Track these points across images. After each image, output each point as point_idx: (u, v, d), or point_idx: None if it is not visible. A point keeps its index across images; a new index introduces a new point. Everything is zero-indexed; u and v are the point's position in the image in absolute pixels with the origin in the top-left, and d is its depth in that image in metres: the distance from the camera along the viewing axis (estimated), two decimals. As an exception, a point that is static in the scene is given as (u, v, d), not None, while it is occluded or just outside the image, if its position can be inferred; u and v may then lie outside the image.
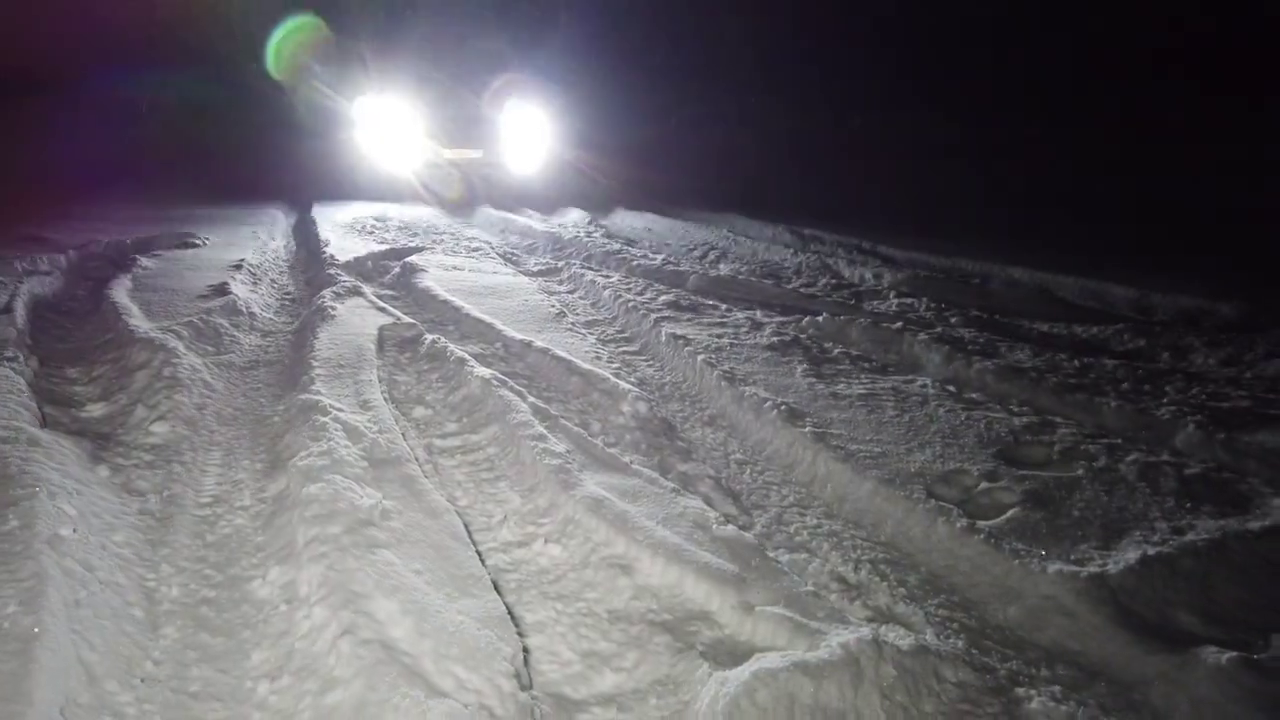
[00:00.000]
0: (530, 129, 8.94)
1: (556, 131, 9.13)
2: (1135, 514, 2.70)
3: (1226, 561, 2.46)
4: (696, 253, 7.10)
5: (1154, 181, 9.63)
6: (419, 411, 3.33)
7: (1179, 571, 2.39)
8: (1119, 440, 3.27)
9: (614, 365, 3.98)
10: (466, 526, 2.44)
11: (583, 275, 5.76)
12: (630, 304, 4.93)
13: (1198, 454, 3.22)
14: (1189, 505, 2.77)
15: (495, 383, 3.37)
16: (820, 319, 4.68)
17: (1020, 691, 1.97)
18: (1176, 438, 3.34)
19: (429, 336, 3.97)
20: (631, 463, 2.90)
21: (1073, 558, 2.44)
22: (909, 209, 9.54)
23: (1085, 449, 3.14)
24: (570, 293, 5.53)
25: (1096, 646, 2.15)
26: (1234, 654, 2.03)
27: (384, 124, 8.40)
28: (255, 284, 5.17)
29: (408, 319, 4.28)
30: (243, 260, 5.50)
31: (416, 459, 2.82)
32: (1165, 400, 3.75)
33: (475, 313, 4.49)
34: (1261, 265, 6.88)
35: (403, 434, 3.00)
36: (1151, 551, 2.44)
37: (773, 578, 2.26)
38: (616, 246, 6.89)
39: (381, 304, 4.54)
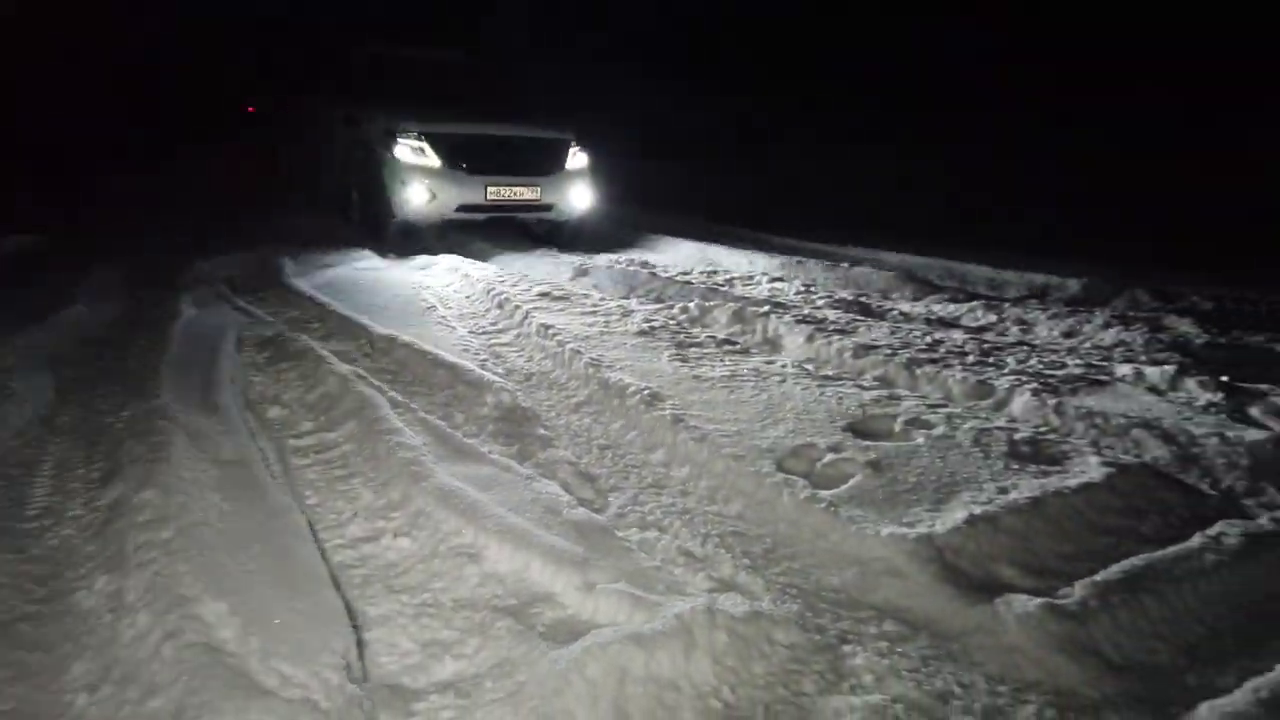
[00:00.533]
0: (583, 167, 7.71)
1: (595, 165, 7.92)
2: (966, 477, 2.87)
3: (1045, 516, 2.63)
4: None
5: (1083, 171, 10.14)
6: (274, 412, 3.26)
7: (1001, 528, 2.55)
8: (959, 410, 3.46)
9: (481, 357, 3.97)
10: (311, 525, 2.41)
11: (457, 269, 5.72)
12: (503, 296, 4.92)
13: (1030, 419, 3.44)
14: (1016, 467, 2.95)
15: (354, 379, 3.32)
16: (690, 305, 4.77)
17: (847, 649, 2.08)
18: (1012, 405, 3.56)
19: (288, 335, 3.88)
20: (490, 452, 2.92)
21: (904, 521, 2.57)
22: (810, 202, 9.81)
23: (926, 419, 3.30)
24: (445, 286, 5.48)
25: (922, 603, 2.28)
26: (1040, 601, 2.19)
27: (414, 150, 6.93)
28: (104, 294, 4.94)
29: (268, 318, 4.17)
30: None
31: (265, 460, 2.76)
32: (1006, 370, 3.99)
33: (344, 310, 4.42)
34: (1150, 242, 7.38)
35: (252, 435, 2.93)
36: (977, 511, 2.59)
37: (618, 556, 2.31)
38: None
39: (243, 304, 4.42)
